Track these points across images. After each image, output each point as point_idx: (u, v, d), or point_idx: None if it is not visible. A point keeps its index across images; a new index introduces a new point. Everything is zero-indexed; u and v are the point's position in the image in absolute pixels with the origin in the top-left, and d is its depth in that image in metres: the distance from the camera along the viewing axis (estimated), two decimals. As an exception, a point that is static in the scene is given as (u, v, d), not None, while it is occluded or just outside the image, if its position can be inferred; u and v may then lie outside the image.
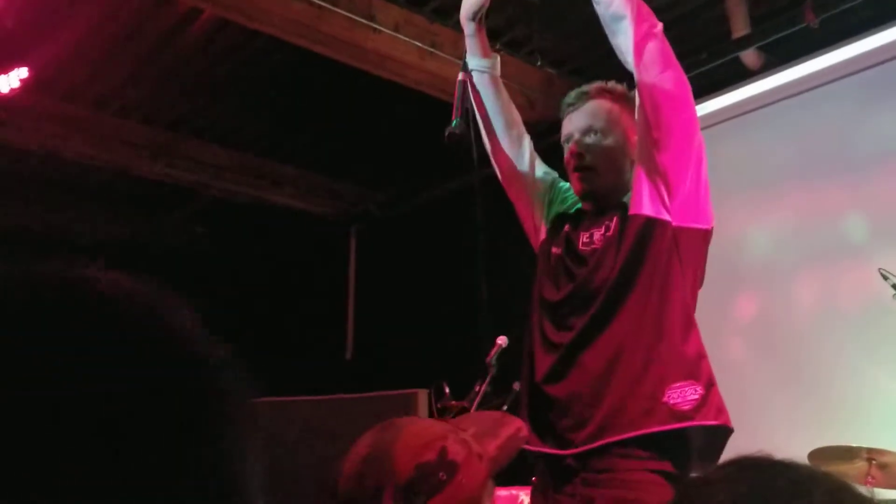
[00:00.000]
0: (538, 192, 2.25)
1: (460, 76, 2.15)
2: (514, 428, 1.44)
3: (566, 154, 2.13)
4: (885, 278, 2.97)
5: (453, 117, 2.07)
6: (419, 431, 1.29)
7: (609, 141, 2.08)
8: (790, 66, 4.35)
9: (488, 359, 2.47)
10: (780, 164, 4.33)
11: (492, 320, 2.43)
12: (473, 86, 2.19)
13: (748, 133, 4.52)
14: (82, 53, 4.73)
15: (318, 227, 7.02)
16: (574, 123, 2.13)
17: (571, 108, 2.15)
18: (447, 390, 3.94)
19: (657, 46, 1.96)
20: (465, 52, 2.22)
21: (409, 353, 5.90)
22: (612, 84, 2.17)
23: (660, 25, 1.98)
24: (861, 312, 3.78)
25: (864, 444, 2.93)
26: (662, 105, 1.95)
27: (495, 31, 4.57)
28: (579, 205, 2.19)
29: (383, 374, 5.63)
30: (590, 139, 2.08)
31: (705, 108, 4.66)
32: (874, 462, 2.94)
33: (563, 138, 2.16)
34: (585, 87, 2.18)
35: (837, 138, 4.13)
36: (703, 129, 4.70)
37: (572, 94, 2.18)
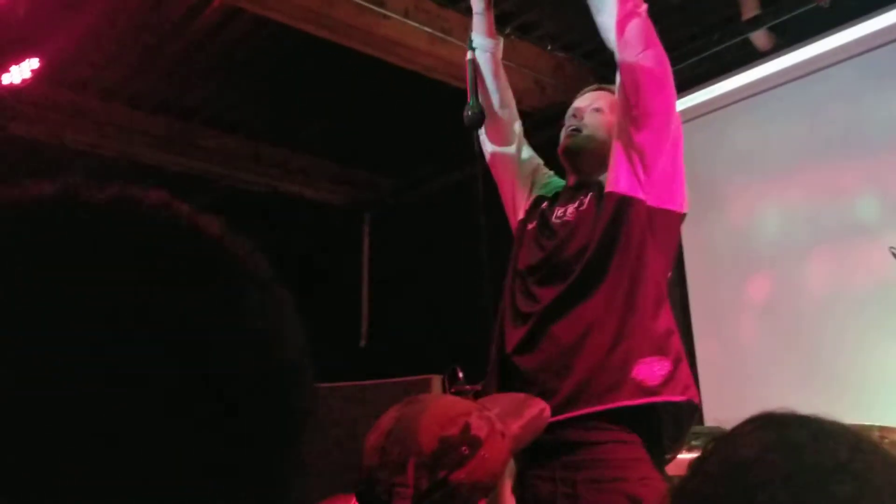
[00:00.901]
0: (522, 173, 2.33)
1: (469, 55, 2.23)
2: (538, 409, 1.45)
3: (566, 121, 2.23)
4: (897, 257, 2.96)
5: (469, 98, 2.16)
6: (444, 406, 1.30)
7: (605, 117, 2.17)
8: (801, 47, 4.34)
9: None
10: (791, 144, 4.33)
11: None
12: (476, 64, 2.27)
13: (759, 114, 4.51)
14: (92, 43, 4.75)
15: (331, 215, 7.04)
16: (580, 101, 2.25)
17: (584, 92, 2.29)
18: (461, 375, 3.96)
19: (640, 25, 1.99)
20: (471, 29, 2.30)
21: (423, 338, 5.93)
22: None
23: (644, 6, 2.00)
24: (872, 291, 3.79)
25: (876, 422, 2.94)
26: (642, 83, 1.98)
27: (506, 15, 4.56)
28: (559, 189, 2.26)
29: (398, 361, 5.66)
30: (590, 111, 2.20)
31: (716, 89, 4.67)
32: (886, 440, 2.94)
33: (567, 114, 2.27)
34: (606, 86, 2.30)
35: (848, 118, 4.12)
36: (714, 110, 4.76)
37: (592, 86, 2.32)
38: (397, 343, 6.24)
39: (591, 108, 2.19)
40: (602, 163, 2.12)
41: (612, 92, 2.22)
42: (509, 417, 1.36)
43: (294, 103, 5.63)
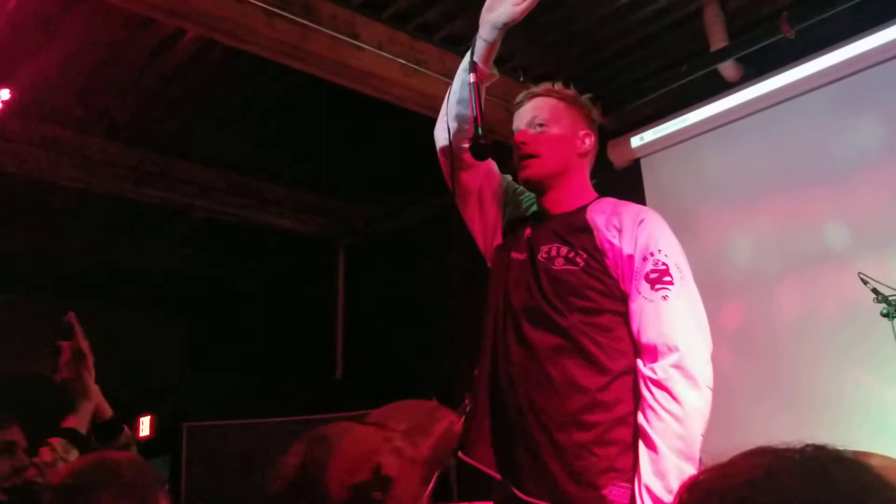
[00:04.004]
0: (498, 194, 2.22)
1: (471, 78, 2.03)
2: (447, 423, 1.36)
3: (514, 147, 2.12)
4: (865, 283, 3.01)
5: (478, 123, 1.96)
6: (351, 448, 1.20)
7: (552, 131, 2.08)
8: (768, 77, 4.42)
9: (477, 371, 2.47)
10: (760, 173, 4.39)
11: (475, 333, 2.41)
12: (471, 88, 2.04)
13: (729, 143, 4.58)
14: (66, 75, 4.74)
15: (305, 245, 7.03)
16: (520, 118, 2.14)
17: (518, 107, 2.16)
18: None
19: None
20: (472, 52, 2.08)
21: (398, 369, 5.91)
22: (559, 86, 2.17)
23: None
24: (843, 317, 3.83)
25: (849, 447, 2.95)
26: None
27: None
28: (534, 208, 2.17)
29: (373, 392, 5.62)
30: (533, 130, 2.09)
31: (686, 119, 4.74)
32: (860, 465, 2.96)
33: (511, 135, 2.16)
34: (534, 88, 2.18)
35: (816, 146, 4.20)
36: (684, 140, 4.80)
37: (521, 95, 2.18)
38: (372, 374, 6.21)
39: (535, 123, 2.10)
40: (566, 177, 2.08)
41: (550, 93, 2.14)
42: (418, 435, 1.28)
43: (269, 134, 5.64)
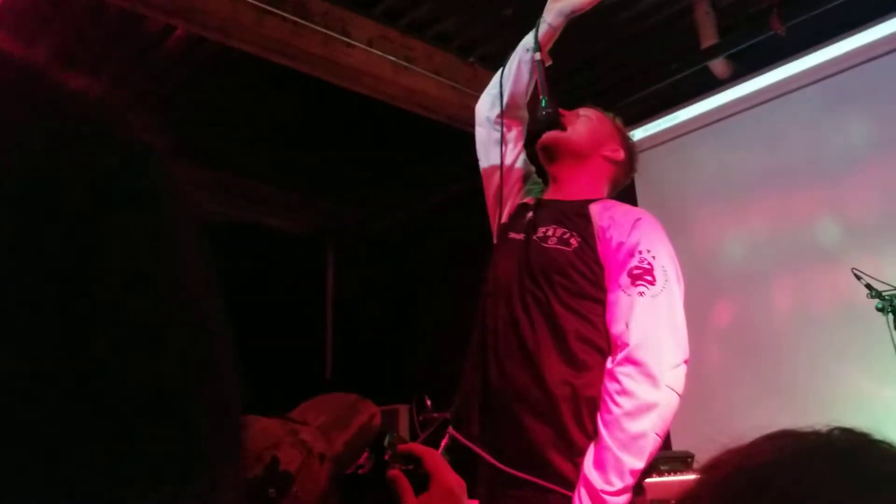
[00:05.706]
0: (520, 176, 2.31)
1: (537, 56, 2.18)
2: (367, 416, 1.30)
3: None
4: (859, 278, 3.01)
5: (542, 96, 2.14)
6: (249, 440, 1.11)
7: (593, 124, 2.21)
8: (759, 75, 4.43)
9: (468, 348, 2.47)
10: (752, 170, 4.40)
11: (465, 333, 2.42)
12: (534, 65, 2.20)
13: (720, 141, 4.59)
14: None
15: (295, 244, 6.99)
16: None
17: None
18: (429, 403, 3.95)
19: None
20: (536, 33, 2.21)
21: (389, 369, 5.89)
22: (619, 119, 2.33)
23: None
24: (837, 313, 3.84)
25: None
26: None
27: (470, 45, 4.60)
28: (542, 195, 2.25)
29: (362, 394, 5.60)
30: (577, 115, 2.22)
31: (677, 117, 4.74)
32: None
33: None
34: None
35: (807, 143, 4.21)
36: (675, 137, 4.80)
37: None
38: (363, 376, 6.19)
39: (578, 113, 2.22)
40: (581, 165, 2.15)
41: (604, 112, 2.28)
42: (334, 430, 1.21)
43: (257, 132, 5.60)
